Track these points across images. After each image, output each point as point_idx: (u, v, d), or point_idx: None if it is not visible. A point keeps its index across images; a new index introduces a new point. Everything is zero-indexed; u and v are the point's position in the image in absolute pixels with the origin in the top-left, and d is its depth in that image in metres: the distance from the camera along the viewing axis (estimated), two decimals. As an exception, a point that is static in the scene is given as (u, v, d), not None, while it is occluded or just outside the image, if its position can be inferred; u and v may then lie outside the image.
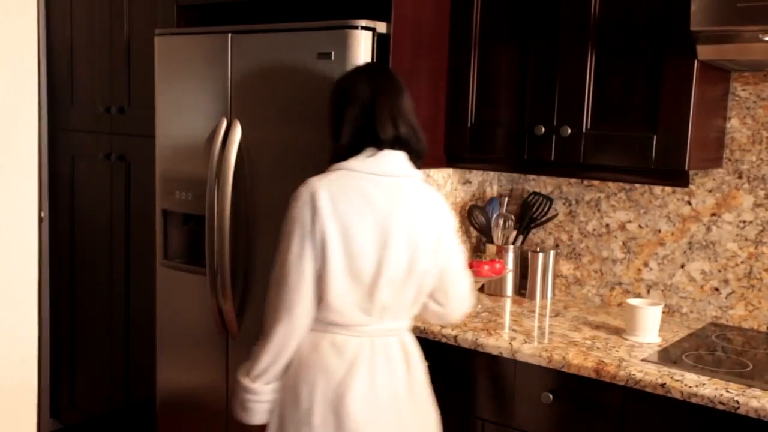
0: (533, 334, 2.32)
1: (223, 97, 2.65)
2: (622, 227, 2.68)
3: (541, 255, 2.72)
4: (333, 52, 2.38)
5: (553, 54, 2.41)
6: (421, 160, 2.02)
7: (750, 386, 1.93)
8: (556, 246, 2.82)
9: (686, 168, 2.23)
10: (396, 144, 1.95)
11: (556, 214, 2.80)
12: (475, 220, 2.79)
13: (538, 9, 2.43)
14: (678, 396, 1.94)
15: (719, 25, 2.07)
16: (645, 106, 2.27)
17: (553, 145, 2.43)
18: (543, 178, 2.82)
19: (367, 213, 1.90)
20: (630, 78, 2.29)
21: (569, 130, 2.38)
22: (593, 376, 2.07)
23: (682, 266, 2.57)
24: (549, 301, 2.74)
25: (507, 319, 2.49)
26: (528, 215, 2.77)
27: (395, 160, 1.96)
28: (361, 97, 1.97)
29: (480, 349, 2.26)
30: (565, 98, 2.40)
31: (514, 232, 2.79)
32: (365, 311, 1.93)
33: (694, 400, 1.92)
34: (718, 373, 2.02)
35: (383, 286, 1.91)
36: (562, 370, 2.12)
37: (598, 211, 2.73)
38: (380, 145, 1.94)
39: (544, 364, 2.15)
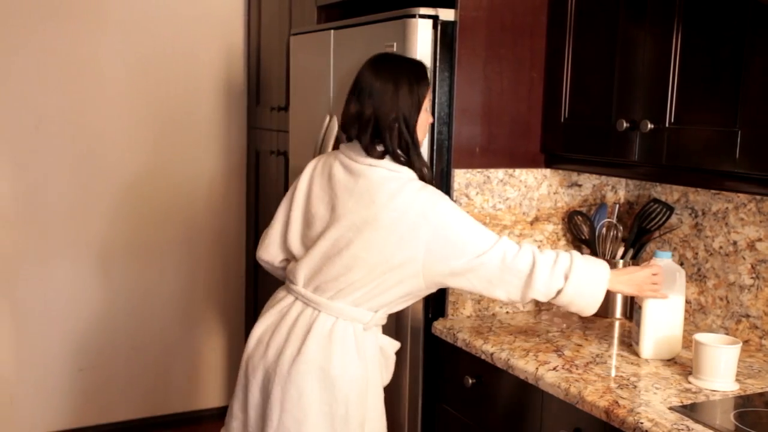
0: (576, 363, 1.98)
1: (329, 93, 2.68)
2: (751, 246, 2.15)
3: (650, 273, 2.30)
4: (395, 44, 2.28)
5: (639, 32, 2.03)
6: (376, 152, 1.92)
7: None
8: (681, 264, 2.35)
9: (774, 172, 1.73)
10: (352, 135, 1.98)
11: (678, 227, 2.34)
12: (576, 229, 2.44)
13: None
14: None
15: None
16: (729, 94, 1.81)
17: (637, 142, 2.05)
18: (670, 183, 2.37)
19: (327, 189, 1.99)
20: (717, 60, 1.85)
21: (649, 125, 1.99)
22: (603, 417, 1.71)
23: (819, 301, 2.00)
24: (666, 329, 2.30)
25: (572, 341, 2.15)
26: (638, 225, 2.36)
27: (355, 147, 1.97)
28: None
29: (510, 371, 2.00)
30: (648, 86, 2.01)
31: (623, 245, 2.40)
32: (294, 273, 2.01)
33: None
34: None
35: (314, 256, 1.96)
36: (577, 405, 1.78)
37: (726, 225, 2.22)
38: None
39: (561, 396, 1.83)
